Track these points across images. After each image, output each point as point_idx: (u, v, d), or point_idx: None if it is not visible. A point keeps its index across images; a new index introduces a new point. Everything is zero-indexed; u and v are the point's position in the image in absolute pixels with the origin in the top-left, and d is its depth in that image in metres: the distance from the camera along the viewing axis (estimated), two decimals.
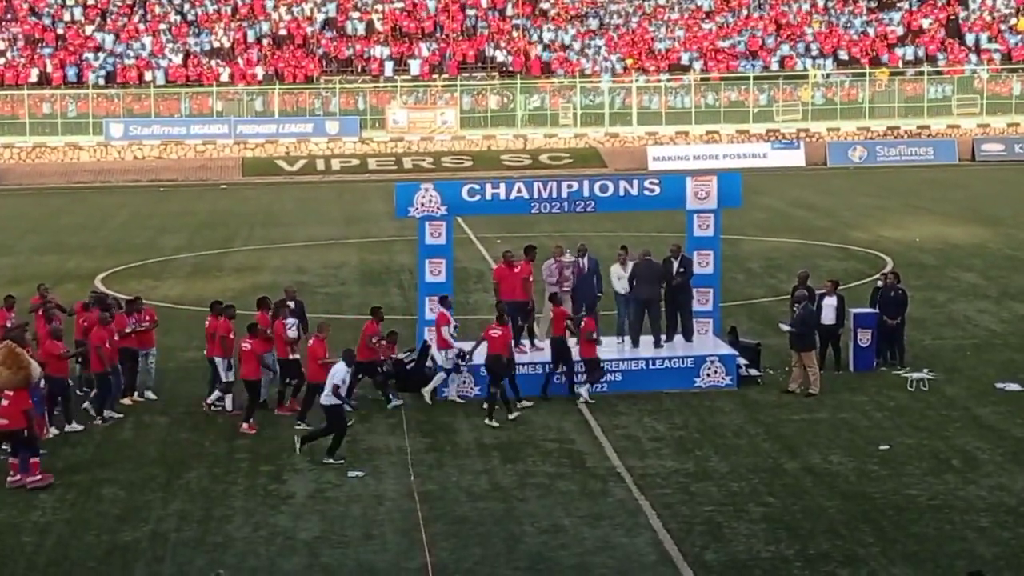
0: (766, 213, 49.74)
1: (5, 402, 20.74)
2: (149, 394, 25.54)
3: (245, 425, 23.53)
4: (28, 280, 37.86)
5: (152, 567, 17.72)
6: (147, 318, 25.87)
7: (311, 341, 24.06)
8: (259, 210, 55.84)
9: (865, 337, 26.90)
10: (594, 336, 25.03)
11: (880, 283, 28.35)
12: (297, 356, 24.45)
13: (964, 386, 25.80)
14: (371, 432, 23.33)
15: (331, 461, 21.48)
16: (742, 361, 26.18)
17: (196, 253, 44.21)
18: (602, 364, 25.18)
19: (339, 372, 21.89)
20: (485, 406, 24.02)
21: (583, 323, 25.23)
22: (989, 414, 23.93)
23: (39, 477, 20.71)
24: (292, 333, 24.44)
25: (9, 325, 25.25)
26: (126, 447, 22.78)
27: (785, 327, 26.10)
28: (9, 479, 20.80)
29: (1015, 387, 25.49)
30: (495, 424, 23.49)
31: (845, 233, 45.43)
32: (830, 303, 26.88)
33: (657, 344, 26.41)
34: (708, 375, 25.81)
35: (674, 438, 22.82)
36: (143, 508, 19.83)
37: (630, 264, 27.36)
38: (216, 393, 24.69)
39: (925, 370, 26.27)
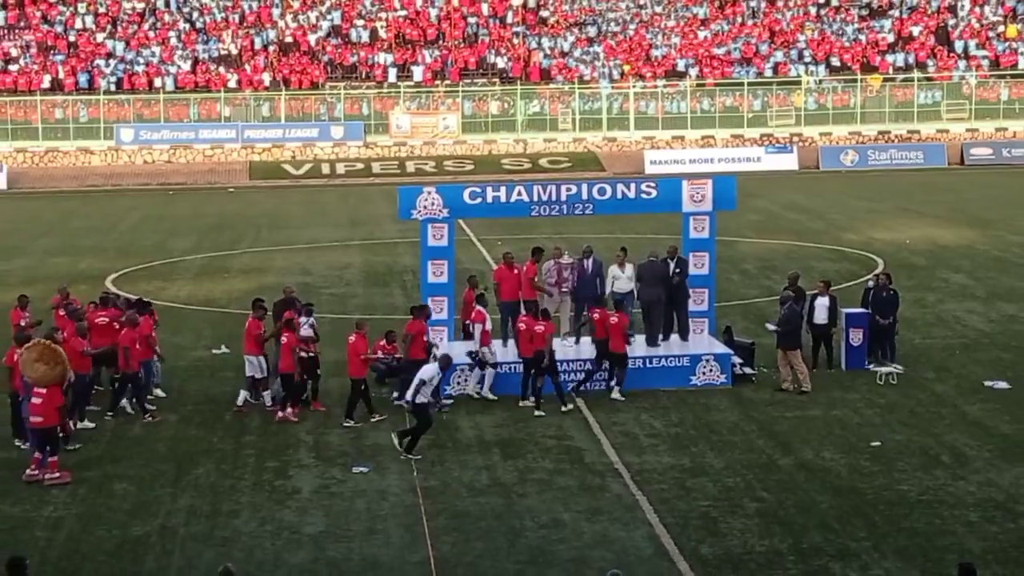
0: (760, 216, 49.73)
1: (39, 400, 20.69)
2: (158, 392, 25.52)
3: (289, 411, 23.75)
4: (42, 280, 37.94)
5: (161, 560, 17.71)
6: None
7: (352, 338, 24.06)
8: (266, 213, 55.83)
9: (857, 336, 26.90)
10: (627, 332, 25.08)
11: (871, 284, 28.34)
12: (313, 354, 24.39)
13: (953, 384, 25.80)
14: (375, 429, 23.31)
15: (411, 456, 21.48)
16: (737, 360, 26.18)
17: (204, 255, 44.21)
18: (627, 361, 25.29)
19: (429, 371, 21.81)
20: (531, 399, 24.32)
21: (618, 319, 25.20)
22: (977, 411, 23.93)
23: (58, 475, 20.70)
24: (306, 332, 24.41)
25: (23, 323, 25.33)
26: (136, 444, 22.78)
27: (771, 327, 26.10)
28: (27, 472, 20.78)
29: (1003, 385, 25.49)
30: (542, 413, 23.93)
31: (837, 235, 45.43)
32: (823, 303, 26.89)
33: (653, 343, 26.37)
34: (704, 373, 25.81)
35: (670, 435, 22.82)
36: (153, 503, 19.82)
37: (629, 266, 27.37)
38: (244, 394, 24.65)
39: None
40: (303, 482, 20.68)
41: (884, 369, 26.03)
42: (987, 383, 25.63)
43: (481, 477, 20.80)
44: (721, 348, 26.37)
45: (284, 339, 23.97)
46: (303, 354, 24.20)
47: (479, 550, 17.84)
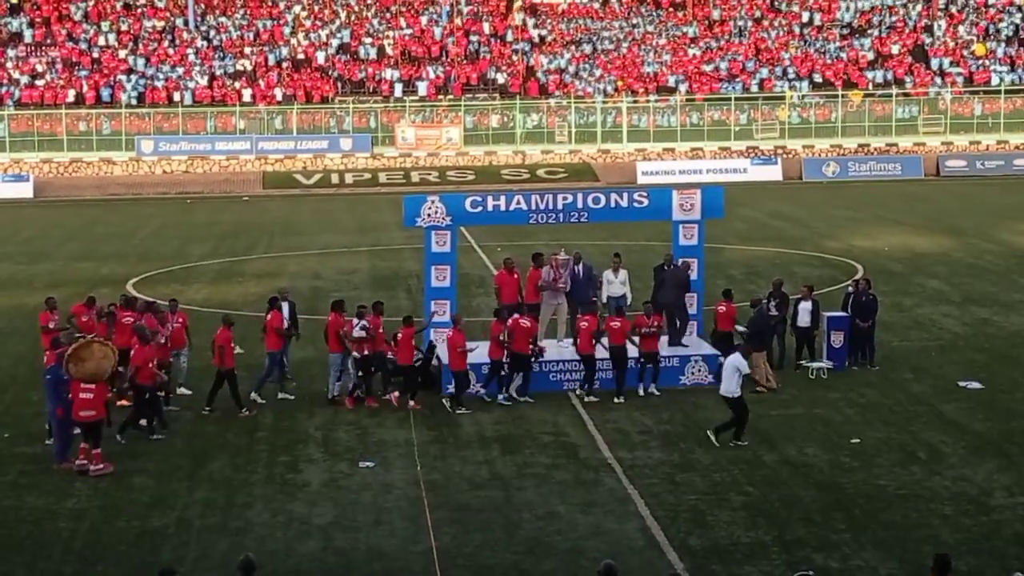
0: (746, 224, 49.66)
1: (90, 395, 20.69)
2: (183, 389, 25.43)
3: (348, 400, 24.21)
4: (66, 284, 37.91)
5: (178, 551, 17.66)
6: (179, 320, 25.82)
7: (450, 332, 24.18)
8: (278, 220, 55.77)
9: (838, 339, 26.86)
10: (650, 330, 24.98)
11: (851, 289, 28.29)
12: (367, 353, 24.36)
13: (929, 384, 25.76)
14: (380, 426, 23.30)
15: (741, 443, 21.59)
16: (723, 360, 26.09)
17: (220, 260, 44.15)
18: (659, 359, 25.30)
19: (738, 362, 21.74)
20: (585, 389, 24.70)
21: (636, 320, 25.14)
22: (952, 410, 23.89)
23: (102, 466, 20.71)
24: (358, 333, 24.35)
25: (51, 325, 25.28)
26: (154, 439, 22.71)
27: (740, 328, 26.04)
28: (76, 463, 20.76)
29: (976, 385, 25.45)
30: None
31: (819, 242, 45.37)
32: (805, 307, 26.87)
33: (676, 343, 26.24)
34: (692, 373, 25.78)
35: (661, 432, 22.78)
36: (170, 496, 19.79)
37: (623, 271, 27.34)
38: (337, 385, 24.74)
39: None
40: (312, 476, 20.64)
41: (815, 364, 26.04)
42: (961, 383, 25.59)
43: (481, 471, 20.76)
44: (709, 349, 26.32)
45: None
46: (355, 354, 24.22)
47: (479, 541, 17.80)
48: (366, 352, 24.39)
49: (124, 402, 24.38)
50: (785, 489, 19.69)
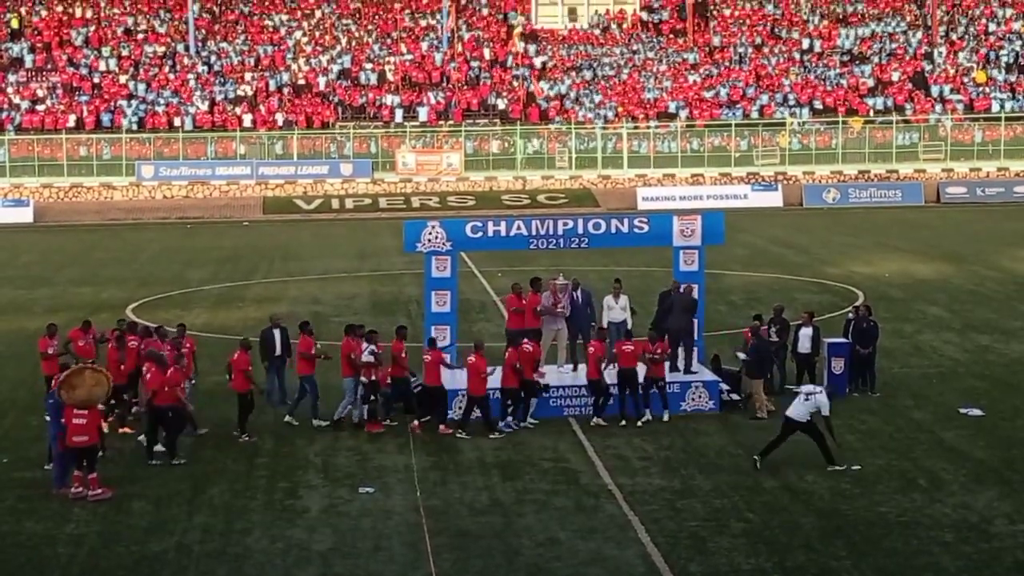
0: (747, 250, 49.72)
1: (83, 420, 20.73)
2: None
3: (375, 425, 24.19)
4: (65, 309, 37.93)
5: None
6: (186, 345, 25.74)
7: (471, 358, 24.11)
8: (278, 245, 55.84)
9: (838, 365, 26.85)
10: (655, 357, 25.01)
11: (852, 315, 28.29)
12: (374, 379, 24.33)
13: (930, 411, 25.75)
14: (380, 451, 23.28)
15: (838, 468, 21.56)
16: (724, 387, 26.12)
17: (220, 285, 44.19)
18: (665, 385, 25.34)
19: (822, 401, 21.74)
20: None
21: (657, 346, 25.17)
22: (953, 437, 23.88)
23: (101, 491, 20.71)
24: (367, 358, 24.34)
25: (51, 351, 25.28)
26: (154, 464, 22.69)
27: (741, 355, 26.02)
28: (72, 491, 20.74)
29: (977, 412, 25.43)
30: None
31: (819, 269, 45.42)
32: (806, 333, 26.87)
33: (675, 369, 26.17)
34: (693, 399, 25.76)
35: (661, 458, 22.76)
36: (169, 521, 19.76)
37: (623, 297, 27.36)
38: (356, 411, 24.68)
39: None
40: (312, 502, 20.62)
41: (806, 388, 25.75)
42: (962, 410, 25.58)
43: (481, 497, 20.73)
44: (709, 375, 26.32)
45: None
46: (363, 379, 24.23)
47: (479, 567, 17.77)
48: (373, 377, 24.36)
49: (126, 430, 24.40)
50: (786, 516, 19.67)
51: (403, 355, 24.79)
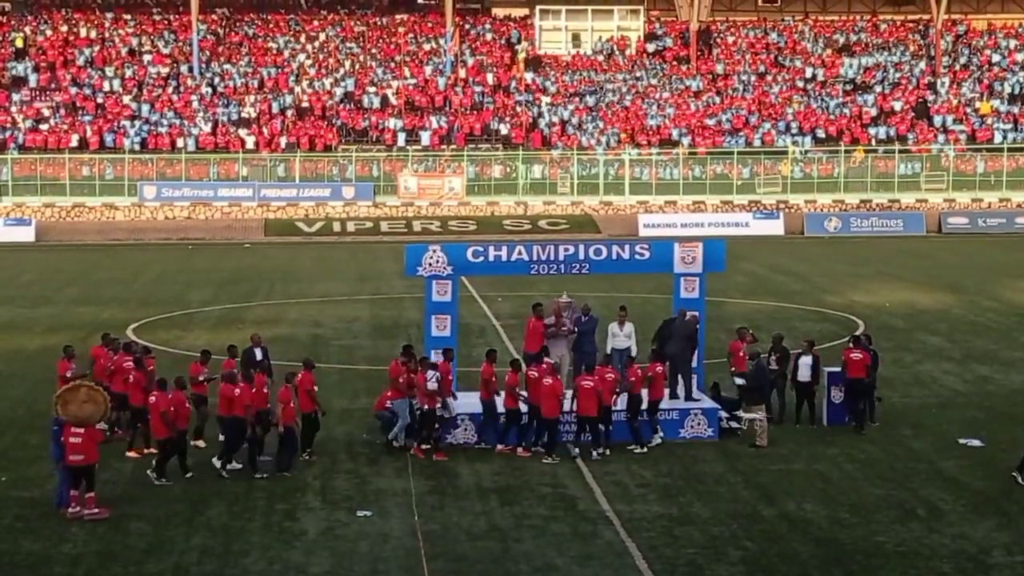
0: (747, 277, 49.80)
1: (79, 439, 20.77)
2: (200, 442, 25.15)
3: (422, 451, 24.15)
4: (66, 328, 38.01)
5: None
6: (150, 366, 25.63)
7: (549, 380, 24.11)
8: (279, 267, 55.93)
9: (838, 394, 26.85)
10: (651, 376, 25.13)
11: (851, 344, 28.18)
12: (432, 408, 24.27)
13: (929, 441, 25.77)
14: (379, 475, 23.29)
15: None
16: (723, 414, 26.15)
17: (221, 306, 44.25)
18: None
19: None
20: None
21: (648, 368, 25.27)
22: (952, 467, 23.89)
23: (97, 511, 20.74)
24: (432, 385, 24.32)
25: (69, 375, 25.04)
26: (152, 485, 22.69)
27: (739, 381, 26.03)
28: (69, 510, 20.77)
29: (976, 443, 25.45)
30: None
31: (820, 297, 45.48)
32: (806, 362, 26.87)
33: (674, 396, 26.20)
34: (692, 427, 25.78)
35: (659, 485, 22.78)
36: (167, 542, 19.77)
37: (628, 324, 27.38)
38: (394, 431, 24.67)
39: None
40: (310, 524, 20.63)
41: (748, 416, 25.72)
42: (962, 440, 25.60)
43: (479, 522, 20.75)
44: (709, 403, 26.35)
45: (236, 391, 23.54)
46: (422, 407, 24.21)
47: None
48: (436, 407, 24.27)
49: (132, 454, 24.36)
50: (783, 544, 19.68)
51: (492, 379, 24.91)
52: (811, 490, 22.38)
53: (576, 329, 26.78)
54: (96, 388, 21.91)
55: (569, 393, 24.66)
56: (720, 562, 18.86)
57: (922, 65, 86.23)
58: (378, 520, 20.79)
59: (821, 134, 79.12)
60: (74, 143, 74.97)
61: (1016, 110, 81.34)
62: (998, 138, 78.44)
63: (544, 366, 24.67)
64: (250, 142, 76.18)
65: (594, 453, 24.31)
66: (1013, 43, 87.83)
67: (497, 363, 25.41)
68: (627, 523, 20.61)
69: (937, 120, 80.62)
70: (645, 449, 24.63)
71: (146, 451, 24.11)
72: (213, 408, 24.38)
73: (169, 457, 22.95)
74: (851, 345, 27.67)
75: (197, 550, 19.42)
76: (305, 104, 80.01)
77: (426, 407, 24.27)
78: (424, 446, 24.37)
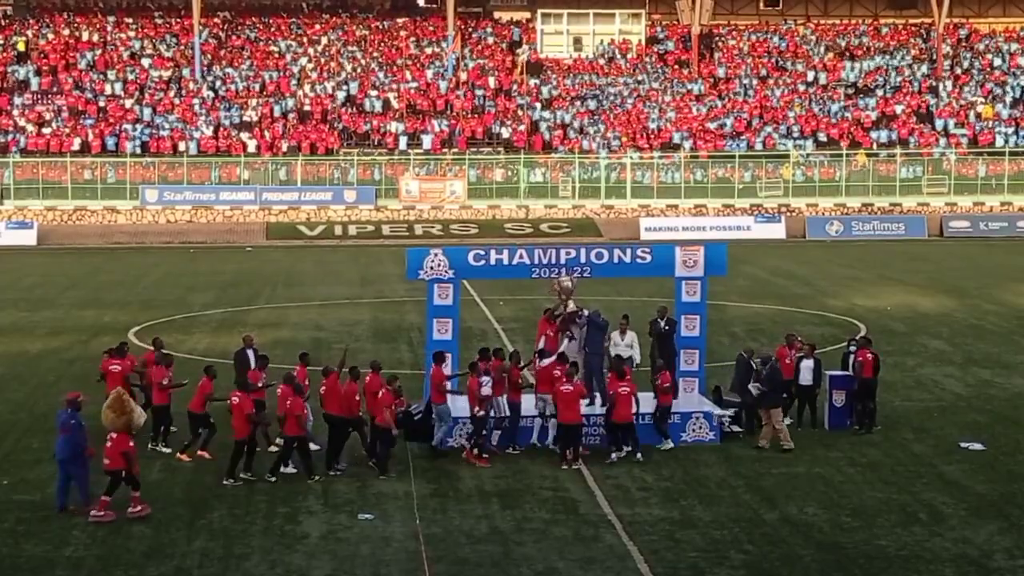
0: (749, 281, 49.79)
1: (109, 444, 21.15)
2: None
3: (474, 456, 24.19)
4: (67, 332, 38.02)
5: None
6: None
7: (568, 387, 24.07)
8: (281, 271, 55.93)
9: (840, 398, 26.85)
10: (667, 386, 25.15)
11: (852, 348, 28.15)
12: (482, 413, 24.28)
13: (931, 445, 25.76)
14: (380, 478, 23.26)
15: None
16: (725, 418, 26.12)
17: (222, 310, 44.25)
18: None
19: None
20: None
21: (659, 376, 25.29)
22: (954, 471, 23.88)
23: (102, 513, 20.82)
24: (486, 391, 24.30)
25: (165, 382, 25.02)
26: (154, 488, 22.68)
27: (754, 388, 25.94)
28: (92, 512, 20.86)
29: (978, 446, 25.44)
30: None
31: (822, 301, 45.46)
32: (807, 365, 26.85)
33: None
34: (693, 430, 25.76)
35: (661, 488, 22.77)
36: (168, 545, 19.77)
37: (630, 334, 27.35)
38: (440, 435, 24.65)
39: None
40: (311, 527, 20.63)
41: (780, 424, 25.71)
42: (963, 444, 25.58)
43: (480, 526, 20.74)
44: (710, 407, 26.33)
45: (235, 400, 23.42)
46: (477, 412, 24.21)
47: None
48: (489, 411, 24.33)
49: (184, 457, 24.41)
50: (785, 548, 19.67)
51: (519, 380, 25.14)
52: (813, 494, 22.37)
53: (575, 336, 26.70)
54: (125, 398, 22.15)
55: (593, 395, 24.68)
56: (722, 566, 18.85)
57: (924, 69, 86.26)
58: (380, 523, 20.78)
59: (823, 138, 79.13)
60: (76, 147, 75.02)
61: (1018, 114, 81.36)
62: (1000, 142, 78.45)
63: (561, 368, 24.65)
64: (252, 146, 76.23)
65: (613, 455, 24.33)
66: (1015, 47, 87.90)
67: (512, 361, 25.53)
68: (629, 526, 20.60)
69: (939, 124, 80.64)
70: (641, 456, 24.57)
71: (198, 454, 24.28)
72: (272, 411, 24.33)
73: (240, 458, 23.00)
74: (853, 348, 27.68)
75: (198, 553, 19.42)
76: (307, 108, 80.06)
77: (479, 412, 24.28)
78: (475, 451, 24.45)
